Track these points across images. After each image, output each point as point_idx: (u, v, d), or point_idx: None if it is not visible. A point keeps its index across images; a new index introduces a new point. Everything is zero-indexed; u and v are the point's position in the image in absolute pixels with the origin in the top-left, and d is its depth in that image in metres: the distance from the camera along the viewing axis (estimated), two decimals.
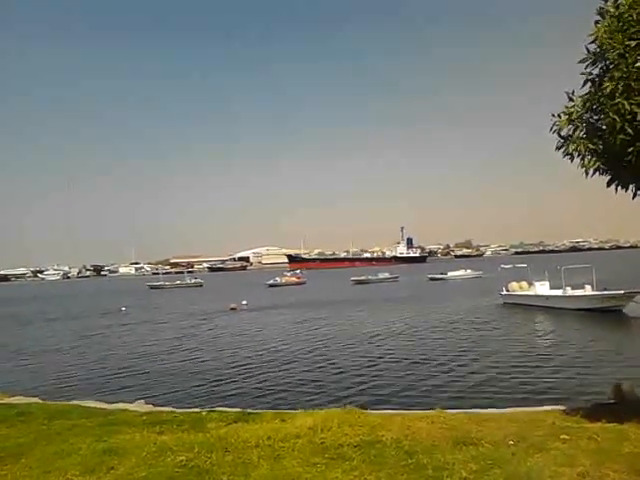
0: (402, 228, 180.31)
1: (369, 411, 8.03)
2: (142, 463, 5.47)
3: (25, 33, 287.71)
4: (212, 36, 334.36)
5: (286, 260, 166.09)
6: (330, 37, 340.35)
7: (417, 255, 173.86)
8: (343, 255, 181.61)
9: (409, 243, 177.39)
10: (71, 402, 10.22)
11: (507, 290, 34.06)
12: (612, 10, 5.78)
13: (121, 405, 9.60)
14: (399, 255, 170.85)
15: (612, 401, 7.69)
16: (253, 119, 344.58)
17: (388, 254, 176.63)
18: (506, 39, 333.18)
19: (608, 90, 5.64)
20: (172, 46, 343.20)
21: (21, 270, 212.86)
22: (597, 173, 6.29)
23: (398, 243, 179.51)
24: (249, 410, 8.73)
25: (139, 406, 9.50)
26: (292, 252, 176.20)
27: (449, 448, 5.62)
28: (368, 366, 16.92)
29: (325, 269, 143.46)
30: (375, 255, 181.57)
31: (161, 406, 10.14)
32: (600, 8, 5.94)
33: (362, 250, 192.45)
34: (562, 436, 5.92)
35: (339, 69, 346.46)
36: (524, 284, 33.34)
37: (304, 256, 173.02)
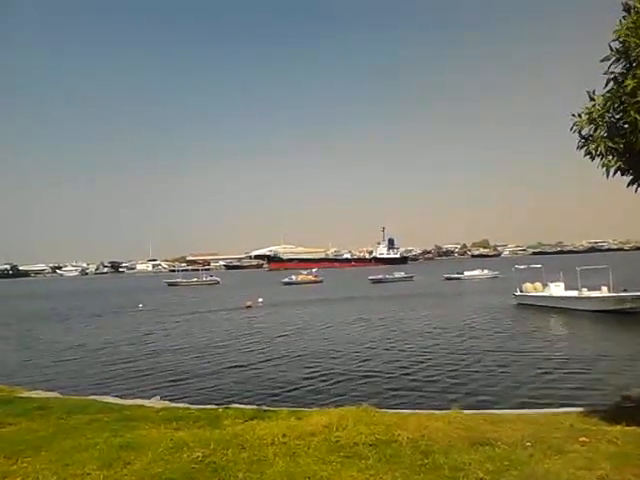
0: (383, 229, 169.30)
1: (385, 410, 8.01)
2: (158, 459, 5.52)
3: (33, 29, 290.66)
4: (213, 36, 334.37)
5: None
6: (330, 36, 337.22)
7: (397, 256, 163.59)
8: (322, 256, 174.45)
9: (390, 244, 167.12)
10: (89, 397, 10.34)
11: (521, 291, 33.74)
12: (638, 5, 5.55)
13: (137, 401, 9.71)
14: (379, 256, 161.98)
15: (632, 405, 7.57)
16: (265, 120, 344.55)
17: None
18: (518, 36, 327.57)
19: (630, 88, 5.52)
20: (184, 44, 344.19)
21: (40, 266, 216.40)
22: (618, 173, 6.19)
23: (378, 244, 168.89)
24: (265, 407, 8.77)
25: (155, 402, 9.59)
26: (311, 250, 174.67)
27: (465, 448, 5.59)
28: (375, 364, 16.94)
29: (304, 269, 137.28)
30: (361, 255, 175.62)
31: (177, 402, 10.23)
32: (625, 3, 5.71)
33: (336, 251, 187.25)
34: (581, 439, 5.83)
35: (338, 68, 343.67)
36: (538, 285, 32.95)
37: (281, 256, 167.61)
